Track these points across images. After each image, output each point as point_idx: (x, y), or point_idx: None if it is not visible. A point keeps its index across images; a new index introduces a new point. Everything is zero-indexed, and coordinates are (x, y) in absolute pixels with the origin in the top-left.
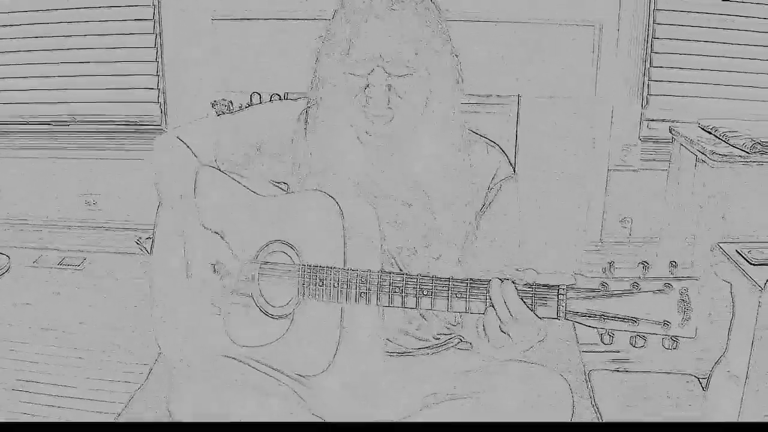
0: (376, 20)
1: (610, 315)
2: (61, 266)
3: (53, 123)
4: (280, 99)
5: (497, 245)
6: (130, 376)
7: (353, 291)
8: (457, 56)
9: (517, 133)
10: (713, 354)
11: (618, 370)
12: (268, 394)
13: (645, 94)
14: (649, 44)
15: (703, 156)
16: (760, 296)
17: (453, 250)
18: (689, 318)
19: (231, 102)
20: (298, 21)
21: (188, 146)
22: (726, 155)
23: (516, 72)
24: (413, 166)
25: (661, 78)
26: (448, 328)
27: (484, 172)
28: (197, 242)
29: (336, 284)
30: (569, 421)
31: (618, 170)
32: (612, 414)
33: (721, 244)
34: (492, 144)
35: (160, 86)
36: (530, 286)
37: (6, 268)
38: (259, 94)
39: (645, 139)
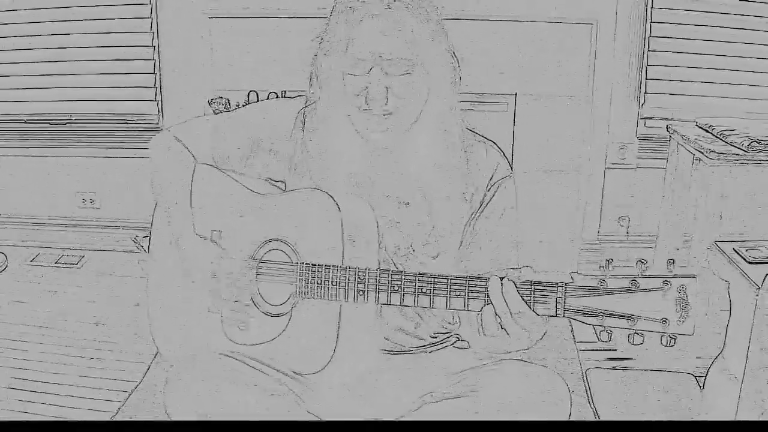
0: (373, 19)
1: (608, 312)
2: (58, 264)
3: (51, 122)
4: (277, 97)
5: (494, 244)
6: (127, 374)
7: (351, 289)
8: (454, 55)
9: (514, 131)
10: (710, 352)
11: (615, 369)
12: (265, 392)
13: (642, 92)
14: (646, 43)
15: (701, 154)
16: (756, 295)
17: (450, 250)
18: (687, 315)
19: (228, 100)
20: (295, 19)
21: (185, 145)
22: (723, 153)
23: (513, 70)
24: (411, 164)
25: (658, 76)
26: (444, 327)
27: (483, 173)
28: (194, 242)
29: (334, 283)
30: (567, 419)
31: (615, 168)
32: (609, 412)
33: (718, 243)
34: (491, 144)
35: (157, 85)
36: (529, 283)
37: (3, 267)
38: (256, 93)
39: (642, 138)
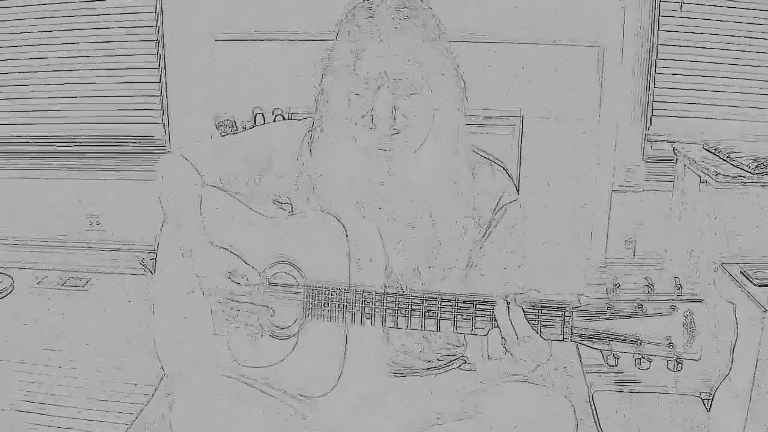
0: (380, 39)
1: (615, 336)
2: (64, 287)
3: (57, 143)
4: (283, 118)
5: (500, 268)
6: (134, 396)
7: (358, 311)
8: (461, 75)
9: (521, 153)
10: (717, 374)
11: (622, 391)
12: (270, 413)
13: (649, 114)
14: (653, 65)
15: (707, 176)
16: (763, 317)
17: (456, 272)
18: (694, 339)
19: (235, 122)
20: (301, 41)
21: (192, 166)
22: (730, 176)
23: (520, 92)
24: (417, 186)
25: (665, 98)
26: (450, 350)
27: (490, 196)
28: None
29: (341, 305)
30: None
31: (622, 191)
32: None
33: (724, 265)
34: (498, 166)
35: (164, 106)
36: (535, 307)
37: (10, 289)
38: (263, 114)
39: (649, 160)
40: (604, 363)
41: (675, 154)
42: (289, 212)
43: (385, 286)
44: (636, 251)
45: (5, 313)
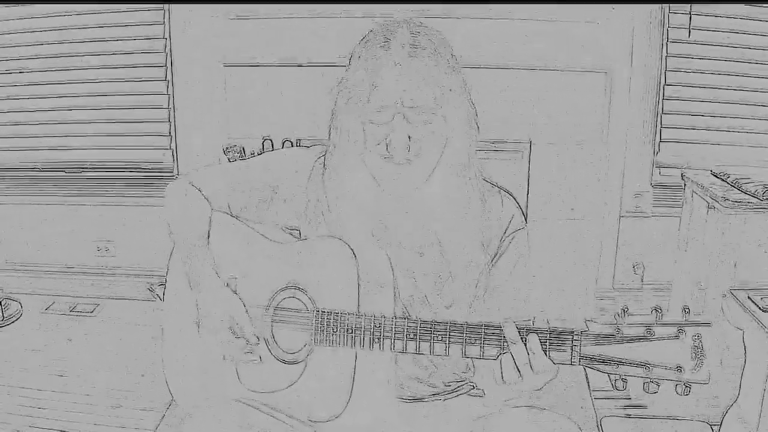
0: (396, 67)
1: (624, 360)
2: (73, 313)
3: (65, 170)
4: (292, 145)
5: (507, 296)
6: (142, 422)
7: (367, 337)
8: (473, 103)
9: (529, 178)
10: (725, 400)
11: (630, 416)
12: None
13: (657, 140)
14: (661, 90)
15: (715, 202)
16: None
17: (463, 299)
18: (702, 364)
19: (243, 149)
20: (310, 67)
21: (200, 191)
22: (738, 202)
23: (528, 118)
24: (427, 213)
25: (673, 124)
26: (458, 375)
27: (498, 223)
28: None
29: (350, 330)
30: None
31: (630, 216)
32: None
33: (733, 291)
34: (506, 194)
35: (172, 133)
36: (544, 331)
37: (18, 315)
38: (271, 140)
39: (657, 186)
40: (612, 388)
41: (683, 179)
42: (298, 238)
43: (395, 313)
44: (644, 276)
45: (14, 339)
